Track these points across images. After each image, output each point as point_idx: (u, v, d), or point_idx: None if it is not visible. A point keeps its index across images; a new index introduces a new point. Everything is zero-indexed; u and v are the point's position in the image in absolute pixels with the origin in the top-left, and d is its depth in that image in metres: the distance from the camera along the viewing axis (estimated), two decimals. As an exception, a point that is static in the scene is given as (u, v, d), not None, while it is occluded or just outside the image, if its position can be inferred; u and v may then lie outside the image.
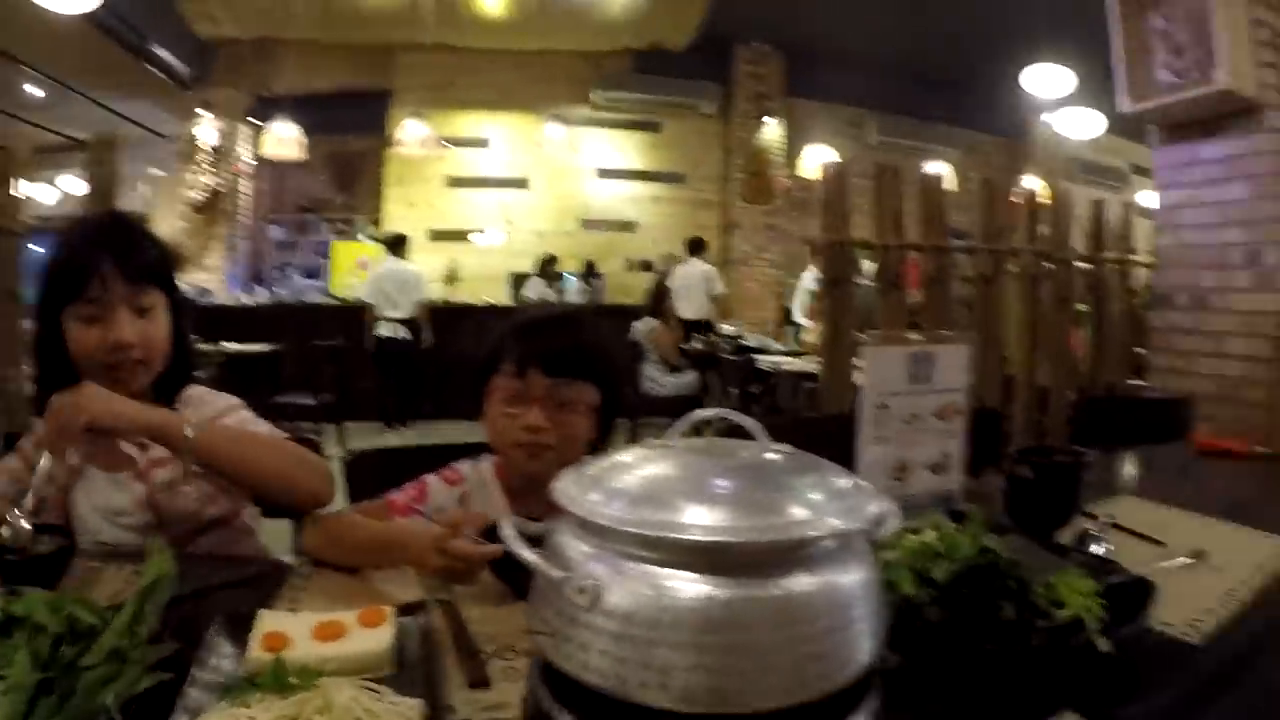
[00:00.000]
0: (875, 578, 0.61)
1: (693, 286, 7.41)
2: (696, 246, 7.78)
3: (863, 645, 0.58)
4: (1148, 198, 8.60)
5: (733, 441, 0.70)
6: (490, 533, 1.00)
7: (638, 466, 0.64)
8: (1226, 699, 0.88)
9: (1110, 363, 3.76)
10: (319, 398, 5.50)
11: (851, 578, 0.58)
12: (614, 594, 0.55)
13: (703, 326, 7.03)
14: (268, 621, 0.83)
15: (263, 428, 1.37)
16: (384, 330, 6.70)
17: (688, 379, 6.01)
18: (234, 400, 1.41)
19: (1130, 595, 0.95)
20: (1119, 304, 3.85)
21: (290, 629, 0.81)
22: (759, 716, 0.54)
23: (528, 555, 0.61)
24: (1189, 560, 1.12)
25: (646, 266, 9.09)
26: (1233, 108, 3.12)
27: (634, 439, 2.63)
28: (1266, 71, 3.07)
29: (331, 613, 0.85)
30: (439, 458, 1.52)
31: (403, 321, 6.70)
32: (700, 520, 0.55)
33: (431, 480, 1.33)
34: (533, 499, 1.20)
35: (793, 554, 0.55)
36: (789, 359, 5.23)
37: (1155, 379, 3.58)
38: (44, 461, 1.08)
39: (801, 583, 0.55)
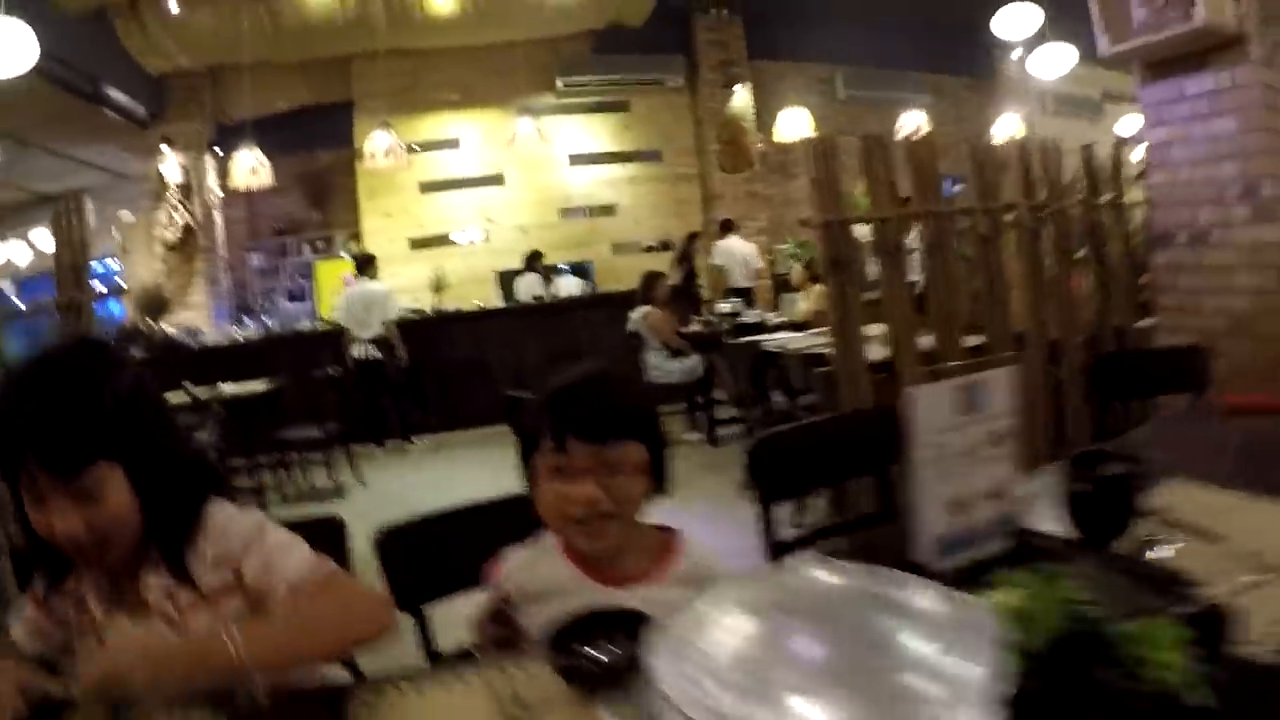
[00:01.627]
0: None
1: (735, 262, 8.25)
2: (728, 226, 8.45)
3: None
4: (1126, 126, 8.61)
5: (827, 585, 0.68)
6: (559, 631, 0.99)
7: (731, 631, 0.62)
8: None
9: (1116, 307, 3.75)
10: (324, 428, 5.47)
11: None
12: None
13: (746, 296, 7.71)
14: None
15: (294, 557, 1.19)
16: (356, 351, 6.76)
17: (691, 363, 5.98)
18: (256, 518, 1.25)
19: (1211, 623, 0.94)
20: (1118, 246, 3.83)
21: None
22: None
23: None
24: (1265, 577, 1.10)
25: (665, 247, 9.06)
26: (1214, 42, 3.09)
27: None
28: (1245, 2, 3.03)
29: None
30: (472, 521, 1.54)
31: (374, 341, 6.73)
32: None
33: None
34: (605, 565, 1.21)
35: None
36: (794, 336, 5.19)
37: (1163, 319, 3.57)
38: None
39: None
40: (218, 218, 8.92)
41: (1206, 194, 3.30)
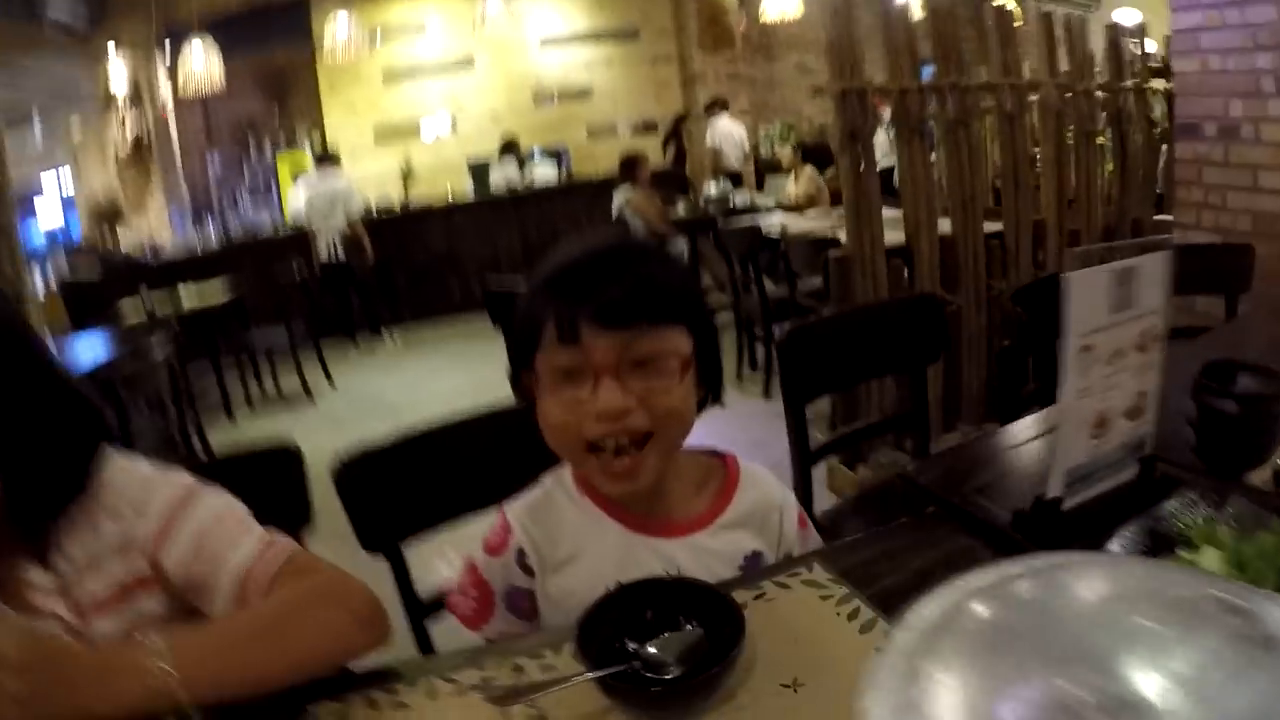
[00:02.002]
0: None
1: (731, 144, 7.86)
2: (721, 105, 8.01)
3: None
4: (1122, 16, 8.13)
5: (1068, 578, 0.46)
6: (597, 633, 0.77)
7: (961, 679, 0.41)
8: None
9: (1135, 198, 3.52)
10: (292, 328, 5.19)
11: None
12: None
13: (735, 180, 7.27)
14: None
15: (236, 533, 0.89)
16: (323, 249, 6.44)
17: (676, 249, 5.71)
18: (176, 483, 0.91)
19: None
20: (1140, 135, 3.58)
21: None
22: None
23: None
24: None
25: (650, 129, 8.63)
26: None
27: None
28: None
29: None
30: (447, 442, 1.28)
31: (340, 240, 6.40)
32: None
33: (479, 560, 0.99)
34: (644, 510, 0.94)
35: None
36: (793, 219, 4.93)
37: (1182, 214, 3.35)
38: None
39: None
40: (171, 125, 8.29)
41: (1238, 86, 3.01)
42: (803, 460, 1.79)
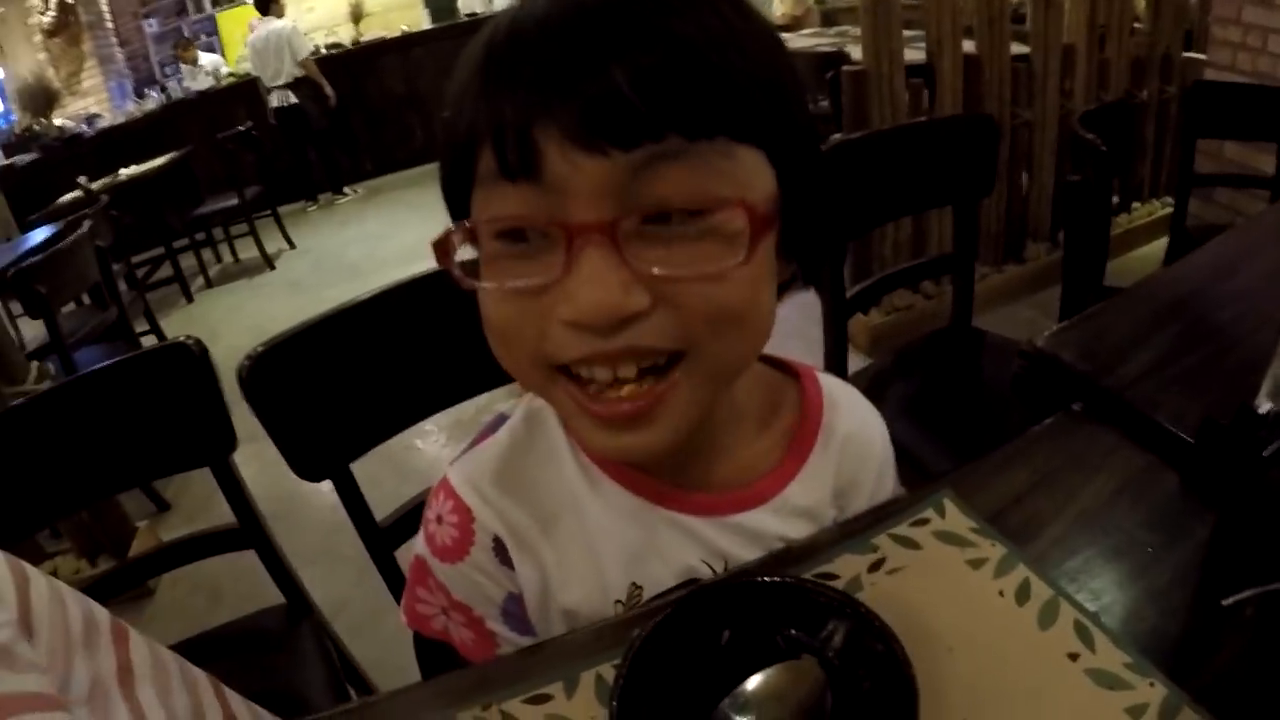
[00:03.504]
0: None
1: None
2: None
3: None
4: None
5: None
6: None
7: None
8: None
9: (1166, 30, 3.08)
10: (245, 194, 4.76)
11: None
12: None
13: None
14: None
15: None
16: (275, 100, 5.90)
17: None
18: None
19: None
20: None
21: None
22: None
23: None
24: None
25: None
26: None
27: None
28: None
29: None
30: (356, 326, 0.94)
31: (292, 86, 5.81)
32: None
33: (433, 564, 0.61)
34: (672, 466, 0.58)
35: None
36: (789, 35, 4.47)
37: (1216, 54, 2.92)
38: None
39: None
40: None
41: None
42: (836, 314, 1.49)
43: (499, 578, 0.59)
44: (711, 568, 0.59)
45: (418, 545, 0.62)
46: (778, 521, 0.60)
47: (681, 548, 0.58)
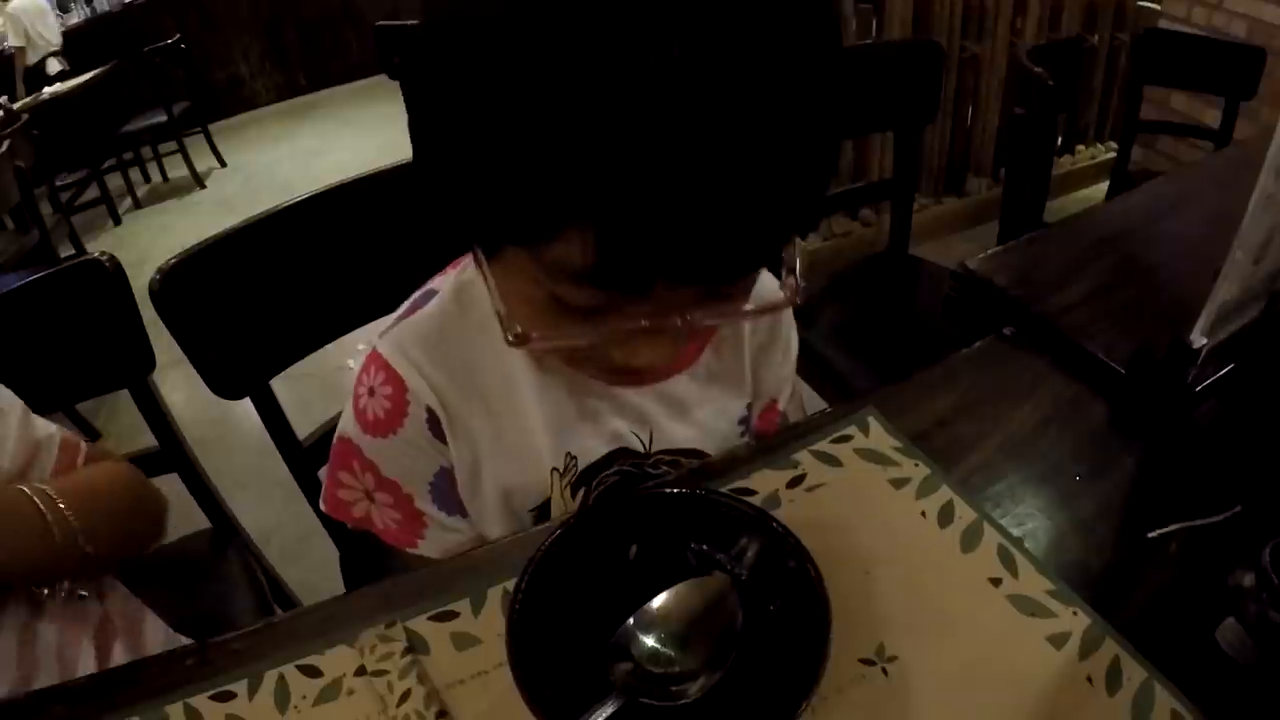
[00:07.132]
0: None
1: None
2: None
3: None
4: None
5: None
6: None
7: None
8: None
9: None
10: (173, 110, 4.53)
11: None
12: None
13: None
14: None
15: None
16: None
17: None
18: None
19: None
20: None
21: None
22: None
23: None
24: None
25: None
26: None
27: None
28: None
29: None
30: (274, 237, 0.88)
31: None
32: None
33: (362, 441, 0.60)
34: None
35: None
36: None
37: (1172, 6, 2.89)
38: None
39: None
40: None
41: None
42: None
43: (430, 451, 0.59)
44: (639, 437, 0.61)
45: (343, 426, 0.61)
46: (697, 388, 0.63)
47: (610, 416, 0.61)
